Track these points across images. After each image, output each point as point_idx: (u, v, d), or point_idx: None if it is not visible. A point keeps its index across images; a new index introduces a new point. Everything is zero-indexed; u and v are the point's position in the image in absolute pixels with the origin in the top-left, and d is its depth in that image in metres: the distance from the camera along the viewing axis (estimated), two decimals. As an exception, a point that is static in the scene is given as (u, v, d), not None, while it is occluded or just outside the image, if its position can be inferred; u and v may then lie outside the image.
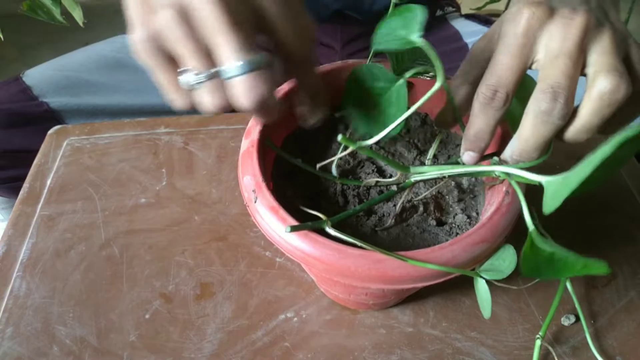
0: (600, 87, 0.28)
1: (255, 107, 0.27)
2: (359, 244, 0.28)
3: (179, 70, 0.27)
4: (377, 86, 0.35)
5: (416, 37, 0.30)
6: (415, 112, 0.43)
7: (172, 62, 0.27)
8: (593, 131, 0.29)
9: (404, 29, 0.32)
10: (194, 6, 0.25)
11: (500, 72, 0.31)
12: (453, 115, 0.35)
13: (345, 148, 0.39)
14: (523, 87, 0.31)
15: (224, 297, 0.44)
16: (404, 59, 0.36)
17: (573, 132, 0.29)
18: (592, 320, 0.43)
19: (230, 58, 0.26)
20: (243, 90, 0.26)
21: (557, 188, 0.24)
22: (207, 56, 0.26)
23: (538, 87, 0.29)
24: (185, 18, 0.26)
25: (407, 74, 0.34)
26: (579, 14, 0.29)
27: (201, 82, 0.26)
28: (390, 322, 0.43)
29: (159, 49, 0.26)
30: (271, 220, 0.31)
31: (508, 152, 0.30)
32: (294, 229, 0.29)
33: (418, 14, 0.31)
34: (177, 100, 0.28)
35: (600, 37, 0.29)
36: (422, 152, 0.40)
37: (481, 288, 0.31)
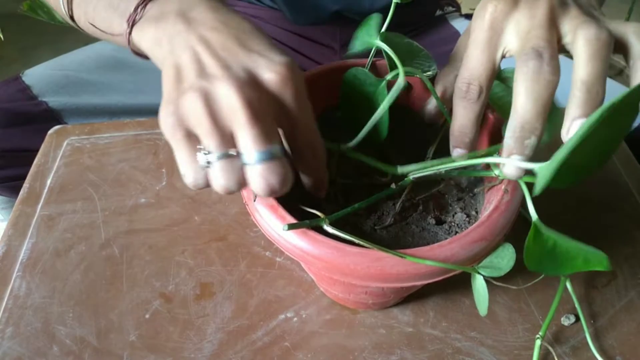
0: (584, 35, 0.28)
1: (269, 194, 0.28)
2: (357, 241, 0.28)
3: (198, 147, 0.28)
4: (368, 90, 0.36)
5: (374, 39, 0.34)
6: (415, 112, 0.43)
7: (192, 140, 0.28)
8: (603, 80, 0.29)
9: (367, 35, 0.36)
10: (219, 94, 0.27)
11: (472, 65, 0.32)
12: (437, 108, 0.35)
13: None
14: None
15: (224, 297, 0.44)
16: (402, 59, 0.36)
17: (584, 87, 0.28)
18: (592, 320, 0.43)
19: (249, 146, 0.27)
20: (259, 178, 0.27)
21: (546, 170, 0.24)
22: (226, 138, 0.27)
23: (520, 55, 0.29)
24: (210, 102, 0.27)
25: (388, 76, 0.35)
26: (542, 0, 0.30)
27: (217, 160, 0.27)
28: (390, 322, 0.43)
29: (181, 126, 0.27)
30: (270, 218, 0.31)
31: (509, 134, 0.29)
32: (291, 227, 0.29)
33: (374, 21, 0.36)
34: (190, 177, 0.28)
35: (568, 10, 0.30)
36: (421, 152, 0.40)
37: (479, 285, 0.31)
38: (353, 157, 0.35)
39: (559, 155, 0.23)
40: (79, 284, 0.45)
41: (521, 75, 0.28)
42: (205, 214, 0.51)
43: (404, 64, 0.35)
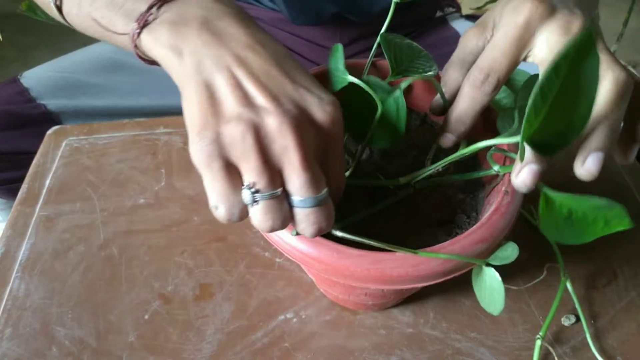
0: (613, 76, 0.29)
1: (316, 235, 0.28)
2: (366, 242, 0.28)
3: (244, 184, 0.26)
4: (370, 100, 0.35)
5: (346, 75, 0.34)
6: (415, 112, 0.43)
7: (231, 172, 0.26)
8: (622, 120, 0.30)
9: (337, 70, 0.35)
10: (271, 129, 0.25)
11: (495, 57, 0.31)
12: (443, 103, 0.35)
13: (345, 148, 0.39)
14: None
15: (224, 297, 0.44)
16: (403, 60, 0.36)
17: (608, 123, 0.29)
18: (592, 321, 0.43)
19: (302, 191, 0.26)
20: (309, 222, 0.27)
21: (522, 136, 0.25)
22: (275, 178, 0.26)
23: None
24: (260, 137, 0.25)
25: (403, 84, 0.35)
26: (578, 16, 0.31)
27: (264, 200, 0.26)
28: (390, 323, 0.43)
29: (220, 156, 0.26)
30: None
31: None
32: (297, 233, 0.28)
33: (338, 53, 0.35)
34: (224, 210, 0.27)
35: (597, 40, 0.31)
36: (422, 152, 0.40)
37: (492, 278, 0.30)
38: (354, 183, 0.35)
39: (525, 117, 0.23)
40: (78, 285, 0.45)
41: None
42: (204, 215, 0.50)
43: (404, 65, 0.35)
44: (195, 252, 0.47)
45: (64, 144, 0.57)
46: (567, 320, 0.43)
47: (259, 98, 0.26)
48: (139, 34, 0.30)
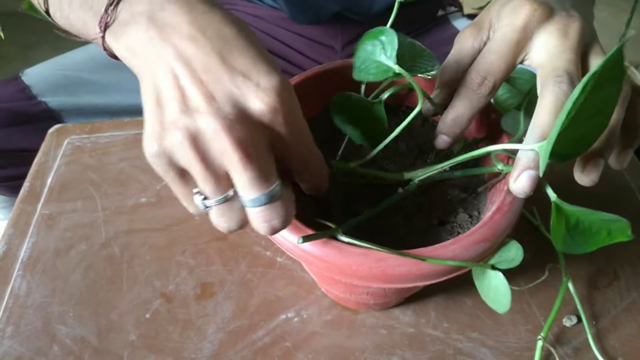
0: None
1: (271, 234, 0.27)
2: (373, 247, 0.28)
3: (194, 191, 0.26)
4: (363, 104, 0.35)
5: (393, 64, 0.31)
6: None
7: (186, 176, 0.26)
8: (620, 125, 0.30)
9: (381, 54, 0.32)
10: (206, 134, 0.24)
11: (492, 60, 0.31)
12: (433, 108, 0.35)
13: (347, 145, 0.39)
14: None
15: (225, 296, 0.44)
16: (405, 59, 0.36)
17: (611, 130, 0.30)
18: (594, 321, 0.43)
19: (247, 190, 0.25)
20: (260, 221, 0.26)
21: (547, 147, 0.25)
22: (221, 181, 0.26)
23: (552, 73, 0.29)
24: (198, 144, 0.25)
25: (384, 96, 0.35)
26: (575, 19, 0.31)
27: (215, 205, 0.26)
28: (391, 323, 0.43)
29: (171, 165, 0.26)
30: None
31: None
32: (306, 239, 0.28)
33: (393, 39, 0.31)
34: (192, 210, 0.27)
35: (594, 44, 0.32)
36: (424, 151, 0.40)
37: (497, 281, 0.30)
38: (360, 172, 0.35)
39: (554, 131, 0.23)
40: (80, 284, 0.45)
41: (552, 95, 0.28)
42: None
43: (405, 63, 0.35)
44: (196, 251, 0.47)
45: (65, 142, 0.57)
46: (568, 321, 0.43)
47: (195, 98, 0.25)
48: (102, 37, 0.30)
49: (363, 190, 0.37)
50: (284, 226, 0.27)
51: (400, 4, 0.35)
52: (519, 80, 0.38)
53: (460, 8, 0.82)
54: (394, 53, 0.31)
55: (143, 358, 0.40)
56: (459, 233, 0.34)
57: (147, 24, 0.27)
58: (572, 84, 0.28)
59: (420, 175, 0.33)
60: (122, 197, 0.52)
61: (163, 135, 0.25)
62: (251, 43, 0.27)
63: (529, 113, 0.34)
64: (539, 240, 0.47)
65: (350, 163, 0.32)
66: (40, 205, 0.51)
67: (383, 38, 0.32)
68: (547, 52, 0.30)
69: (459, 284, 0.44)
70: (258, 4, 0.73)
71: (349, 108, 0.34)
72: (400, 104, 0.43)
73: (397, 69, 0.31)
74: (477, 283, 0.32)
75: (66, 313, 0.43)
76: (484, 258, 0.30)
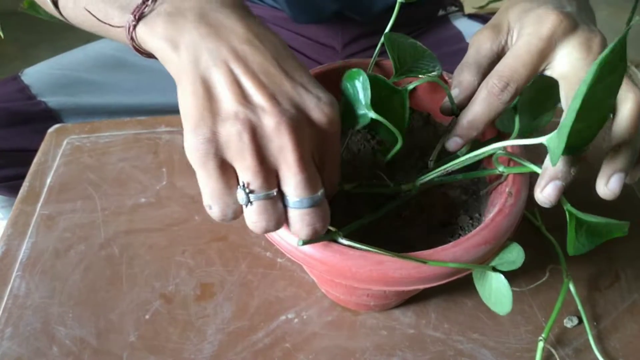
0: (635, 98, 0.29)
1: (312, 237, 0.28)
2: (373, 250, 0.28)
3: (240, 184, 0.26)
4: (382, 94, 0.34)
5: (368, 110, 0.31)
6: (418, 113, 0.43)
7: (226, 171, 0.26)
8: None
9: (357, 99, 0.32)
10: (268, 129, 0.25)
11: (516, 67, 0.31)
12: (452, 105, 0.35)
13: (347, 147, 0.39)
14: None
15: (225, 297, 0.44)
16: (406, 60, 0.36)
17: (630, 144, 0.30)
18: (595, 322, 0.43)
19: (297, 192, 0.26)
20: (304, 224, 0.27)
21: (557, 139, 0.25)
22: (271, 178, 0.26)
23: (576, 88, 0.29)
24: (257, 137, 0.25)
25: (410, 86, 0.34)
26: (597, 35, 0.31)
27: (259, 200, 0.26)
28: (391, 324, 0.42)
29: (216, 155, 0.25)
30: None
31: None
32: (306, 242, 0.28)
33: (367, 84, 0.31)
34: (218, 210, 0.27)
35: None
36: (425, 153, 0.39)
37: (498, 283, 0.31)
38: (355, 190, 0.35)
39: (567, 121, 0.23)
40: (79, 284, 0.45)
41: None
42: (205, 214, 0.50)
43: (407, 66, 0.35)
44: (196, 251, 0.47)
45: (65, 142, 0.57)
46: (569, 322, 0.42)
47: (257, 96, 0.26)
48: (134, 26, 0.30)
49: (364, 192, 0.36)
50: (323, 231, 0.27)
51: (402, 4, 0.35)
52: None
53: (460, 8, 0.81)
54: (368, 99, 0.31)
55: (142, 359, 0.40)
56: (460, 235, 0.34)
57: (198, 21, 0.27)
58: None
59: (422, 179, 0.33)
60: (122, 197, 0.52)
61: (218, 124, 0.25)
62: (300, 61, 0.29)
63: (524, 113, 0.34)
64: (540, 241, 0.46)
65: (345, 185, 0.32)
66: (39, 205, 0.51)
67: (357, 83, 0.32)
68: (571, 64, 0.31)
69: (459, 285, 0.44)
70: (258, 4, 0.73)
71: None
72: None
73: (372, 115, 0.31)
74: (477, 286, 0.32)
75: (65, 314, 0.43)
76: (485, 260, 0.30)
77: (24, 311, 0.43)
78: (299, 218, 0.27)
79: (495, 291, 0.31)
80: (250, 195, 0.26)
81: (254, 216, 0.26)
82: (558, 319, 0.43)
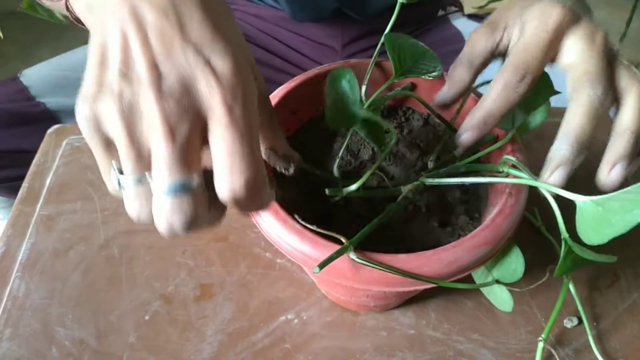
0: (638, 90, 0.31)
1: (168, 234, 0.24)
2: (385, 270, 0.28)
3: (113, 165, 0.24)
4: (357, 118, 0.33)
5: (361, 112, 0.30)
6: (418, 113, 0.43)
7: (111, 148, 0.24)
8: None
9: (346, 99, 0.30)
10: (141, 103, 0.23)
11: (529, 59, 0.31)
12: (449, 99, 0.35)
13: (347, 148, 0.39)
14: None
15: (224, 298, 0.44)
16: (407, 60, 0.36)
17: (633, 135, 0.30)
18: (594, 323, 0.43)
19: (161, 172, 0.23)
20: (160, 213, 0.23)
21: (598, 216, 0.25)
22: (142, 160, 0.23)
23: (585, 77, 0.30)
24: (128, 113, 0.23)
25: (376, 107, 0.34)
26: (599, 28, 0.32)
27: (131, 185, 0.24)
28: (391, 324, 0.42)
29: (98, 131, 0.24)
30: (271, 221, 0.31)
31: (565, 147, 0.30)
32: (322, 265, 0.27)
33: (354, 85, 0.29)
34: (109, 187, 0.25)
35: (615, 55, 0.33)
36: (425, 153, 0.39)
37: (502, 294, 0.31)
38: (354, 195, 0.34)
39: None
40: (79, 285, 0.45)
41: (587, 99, 0.30)
42: (205, 215, 0.50)
43: (407, 66, 0.35)
44: (195, 252, 0.47)
45: (64, 143, 0.57)
46: (569, 322, 0.42)
47: (139, 63, 0.23)
48: None
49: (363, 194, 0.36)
50: (184, 230, 0.23)
51: (403, 4, 0.35)
52: None
53: (460, 8, 0.81)
54: (357, 99, 0.30)
55: (142, 360, 0.40)
56: (460, 235, 0.34)
57: None
58: (605, 89, 0.30)
59: (420, 185, 0.33)
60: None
61: (97, 97, 0.23)
62: (218, 17, 0.25)
63: (524, 108, 0.34)
64: (539, 241, 0.46)
65: (342, 190, 0.31)
66: (39, 206, 0.51)
67: (344, 83, 0.30)
68: (577, 55, 0.31)
69: (459, 286, 0.44)
70: (259, 4, 0.72)
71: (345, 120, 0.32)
72: (399, 104, 0.43)
73: (363, 114, 0.30)
74: (476, 280, 0.32)
75: (65, 315, 0.43)
76: (485, 261, 0.30)
77: (23, 312, 0.43)
78: (159, 205, 0.23)
79: (499, 300, 0.31)
80: (120, 177, 0.24)
81: (126, 202, 0.24)
82: (558, 319, 0.43)
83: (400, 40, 0.36)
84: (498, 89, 0.32)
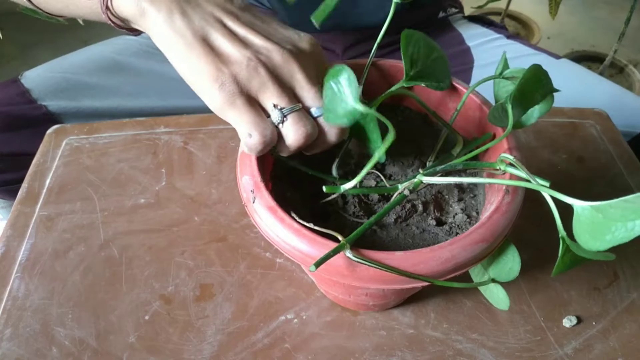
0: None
1: (340, 138, 0.33)
2: (382, 269, 0.28)
3: (271, 106, 0.31)
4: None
5: (357, 104, 0.29)
6: (415, 112, 0.43)
7: (253, 104, 0.31)
8: None
9: (344, 95, 0.30)
10: (276, 61, 0.31)
11: None
12: None
13: (346, 149, 0.39)
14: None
15: (224, 298, 0.44)
16: (417, 62, 0.35)
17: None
18: (593, 322, 0.43)
19: (315, 101, 0.32)
20: (327, 124, 0.32)
21: (598, 223, 0.25)
22: (292, 95, 0.32)
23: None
24: (271, 69, 0.31)
25: (374, 106, 0.34)
26: None
27: (291, 113, 0.31)
28: (390, 324, 0.42)
29: (242, 93, 0.30)
30: (270, 220, 0.31)
31: None
32: (318, 264, 0.27)
33: (353, 80, 0.28)
34: (257, 135, 0.30)
35: None
36: (423, 153, 0.40)
37: (499, 293, 0.31)
38: (353, 193, 0.35)
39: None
40: (78, 285, 0.45)
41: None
42: (205, 215, 0.50)
43: (417, 69, 0.35)
44: (195, 252, 0.47)
45: (64, 143, 0.57)
46: (568, 322, 0.42)
47: (256, 40, 0.32)
48: None
49: (361, 194, 0.36)
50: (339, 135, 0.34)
51: (400, 6, 0.35)
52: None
53: (461, 9, 0.81)
54: (356, 93, 0.29)
55: (142, 360, 0.40)
56: (457, 233, 0.34)
57: None
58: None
59: (417, 184, 0.33)
60: (121, 198, 0.52)
61: (235, 68, 0.30)
62: (270, 15, 0.36)
63: (520, 105, 0.33)
64: (538, 240, 0.47)
65: (340, 187, 0.31)
66: (38, 206, 0.51)
67: (342, 79, 0.29)
68: None
69: (458, 285, 0.44)
70: (259, 6, 0.73)
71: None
72: (398, 103, 0.43)
73: (362, 109, 0.29)
74: (474, 278, 0.32)
75: (65, 315, 0.43)
76: (482, 258, 0.30)
77: (23, 312, 0.43)
78: (321, 121, 0.32)
79: (496, 298, 0.31)
80: (282, 110, 0.31)
81: (292, 127, 0.31)
82: (557, 319, 0.43)
83: (415, 37, 0.35)
84: None
